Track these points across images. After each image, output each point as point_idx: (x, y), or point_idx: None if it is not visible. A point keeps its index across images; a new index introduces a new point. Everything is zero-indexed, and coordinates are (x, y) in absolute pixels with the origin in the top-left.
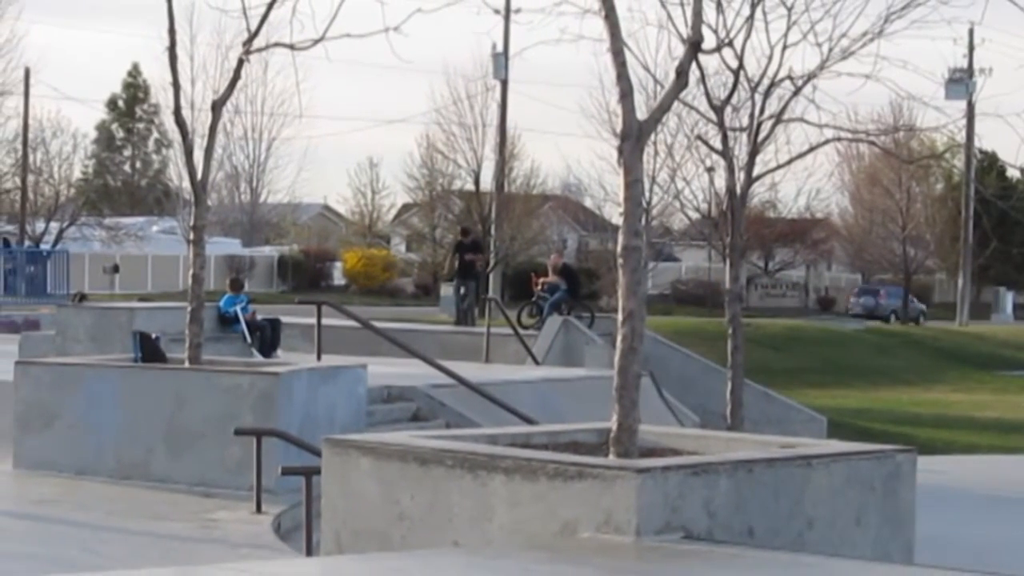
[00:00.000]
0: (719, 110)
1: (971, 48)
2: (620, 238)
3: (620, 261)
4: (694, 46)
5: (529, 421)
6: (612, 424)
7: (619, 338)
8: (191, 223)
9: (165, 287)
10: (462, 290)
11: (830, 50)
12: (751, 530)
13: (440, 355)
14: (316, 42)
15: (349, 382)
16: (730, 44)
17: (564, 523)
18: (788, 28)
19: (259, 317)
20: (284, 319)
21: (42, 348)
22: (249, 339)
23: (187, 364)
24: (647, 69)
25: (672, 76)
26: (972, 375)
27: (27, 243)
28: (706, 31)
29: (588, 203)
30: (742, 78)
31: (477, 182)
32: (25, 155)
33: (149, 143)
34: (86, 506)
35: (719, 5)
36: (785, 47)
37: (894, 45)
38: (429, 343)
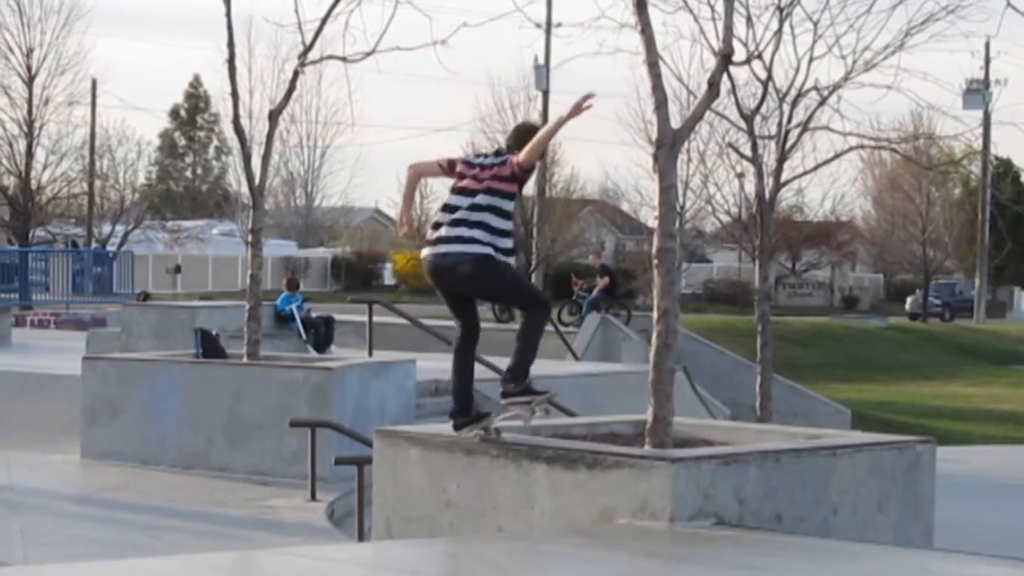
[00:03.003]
0: (749, 119)
1: (987, 60)
2: (655, 240)
3: (655, 262)
4: (725, 58)
5: (569, 413)
6: (648, 416)
7: (654, 335)
8: (249, 226)
9: (225, 286)
10: None
11: (854, 62)
12: (779, 516)
13: (484, 351)
14: (368, 55)
15: (399, 376)
16: (759, 56)
17: (602, 510)
18: (814, 41)
19: (314, 315)
20: (337, 317)
21: (108, 344)
22: (304, 336)
23: (245, 359)
24: (681, 80)
25: (704, 87)
26: (988, 370)
27: (94, 245)
28: (736, 44)
29: (625, 207)
30: (771, 89)
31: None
32: (92, 162)
33: (209, 150)
34: (150, 494)
35: (749, 20)
36: (811, 59)
37: (914, 57)
38: None
